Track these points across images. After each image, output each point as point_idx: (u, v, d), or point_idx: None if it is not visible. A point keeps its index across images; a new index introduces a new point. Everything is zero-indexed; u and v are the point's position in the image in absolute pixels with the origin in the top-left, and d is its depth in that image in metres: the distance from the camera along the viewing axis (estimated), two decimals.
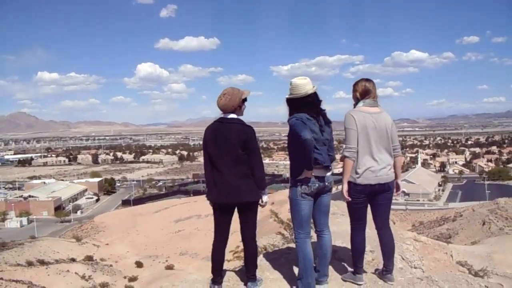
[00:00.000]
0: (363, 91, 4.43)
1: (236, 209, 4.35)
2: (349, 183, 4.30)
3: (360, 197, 4.32)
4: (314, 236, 4.45)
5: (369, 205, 4.45)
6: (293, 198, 4.26)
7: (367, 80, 4.49)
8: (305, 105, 4.19)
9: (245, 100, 4.35)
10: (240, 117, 4.32)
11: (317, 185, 4.19)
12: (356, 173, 4.25)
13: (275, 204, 24.64)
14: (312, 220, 4.40)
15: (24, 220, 77.66)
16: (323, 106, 4.34)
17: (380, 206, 4.45)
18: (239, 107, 4.28)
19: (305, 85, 4.22)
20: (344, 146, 4.36)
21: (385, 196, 4.40)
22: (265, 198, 4.37)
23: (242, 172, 4.20)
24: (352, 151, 4.23)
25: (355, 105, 4.47)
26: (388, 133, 4.31)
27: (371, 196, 4.37)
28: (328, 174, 4.29)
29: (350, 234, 4.56)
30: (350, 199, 4.32)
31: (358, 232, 4.49)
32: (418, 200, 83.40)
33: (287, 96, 4.32)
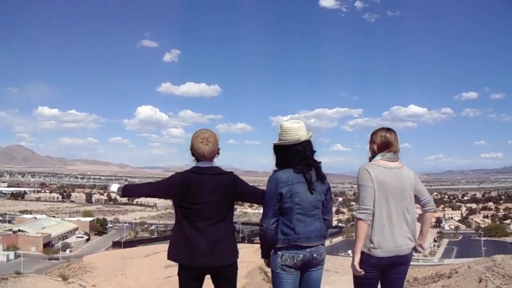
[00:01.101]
0: (382, 143, 3.75)
1: (210, 276, 3.68)
2: (362, 253, 3.55)
3: (372, 271, 3.59)
4: None
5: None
6: (273, 271, 3.51)
7: (388, 130, 3.80)
8: (295, 155, 3.51)
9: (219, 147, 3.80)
10: (221, 166, 3.72)
11: (301, 256, 3.43)
12: (371, 242, 3.52)
13: None
14: None
15: (11, 254, 76.38)
16: (318, 158, 3.65)
17: (393, 282, 3.76)
18: (218, 154, 3.74)
19: (297, 130, 3.55)
20: (357, 206, 3.65)
21: (400, 269, 3.71)
22: None
23: (221, 230, 3.58)
24: (368, 213, 3.50)
25: (370, 159, 3.79)
26: (411, 192, 3.66)
27: (385, 269, 3.65)
28: (319, 244, 3.55)
29: None
30: (363, 272, 3.56)
31: None
32: (413, 256, 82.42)
33: (274, 142, 3.64)
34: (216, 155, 3.71)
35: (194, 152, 3.68)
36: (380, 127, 3.86)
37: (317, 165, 3.59)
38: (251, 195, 3.72)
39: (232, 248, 3.66)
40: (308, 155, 3.56)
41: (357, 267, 3.55)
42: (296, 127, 3.57)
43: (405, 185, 3.62)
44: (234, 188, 3.61)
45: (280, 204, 3.44)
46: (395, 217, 3.57)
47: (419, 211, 3.91)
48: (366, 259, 3.54)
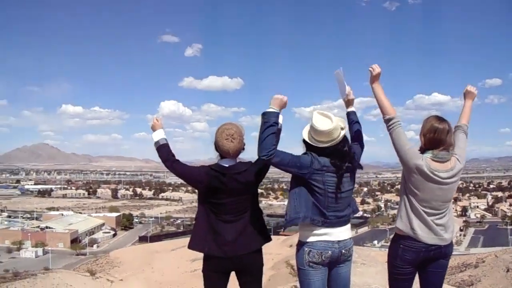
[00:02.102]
0: (430, 139, 3.34)
1: (235, 274, 3.55)
2: (398, 239, 3.39)
3: (408, 267, 3.37)
4: None
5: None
6: (300, 268, 3.33)
7: (439, 119, 3.36)
8: (329, 155, 3.26)
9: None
10: (245, 159, 3.57)
11: (330, 252, 3.25)
12: (413, 226, 3.29)
13: (292, 247, 24.00)
14: None
15: (40, 250, 77.62)
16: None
17: (433, 276, 3.46)
18: (243, 149, 3.56)
19: (332, 132, 3.24)
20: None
21: (440, 263, 3.42)
22: None
23: (246, 220, 3.49)
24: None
25: (421, 149, 3.39)
26: (454, 190, 3.38)
27: (422, 264, 3.39)
28: (347, 236, 3.37)
29: None
30: (378, 69, 3.44)
31: None
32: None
33: (306, 139, 3.36)
34: (242, 150, 3.54)
35: (218, 148, 3.49)
36: (431, 115, 3.44)
37: (352, 156, 3.36)
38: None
39: (258, 234, 3.53)
40: (345, 151, 3.32)
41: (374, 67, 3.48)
42: (330, 128, 3.23)
43: (450, 187, 3.34)
44: (256, 177, 3.50)
45: (305, 177, 3.22)
46: (436, 209, 3.31)
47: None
48: (401, 254, 3.35)
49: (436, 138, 3.29)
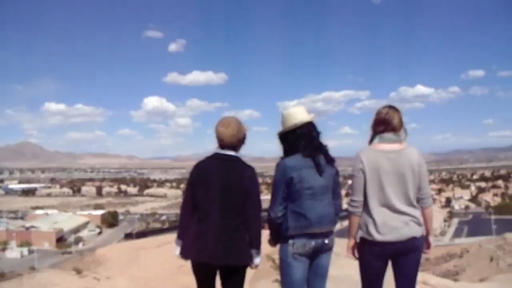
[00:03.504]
0: (376, 121, 3.48)
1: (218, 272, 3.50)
2: (363, 241, 3.42)
3: (377, 261, 3.41)
4: None
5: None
6: (283, 259, 3.42)
7: (386, 107, 3.52)
8: (300, 139, 3.39)
9: (245, 137, 3.58)
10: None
11: (313, 243, 3.35)
12: (369, 229, 3.33)
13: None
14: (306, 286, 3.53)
15: (25, 250, 76.81)
16: (326, 141, 3.53)
17: (404, 270, 3.46)
18: (241, 144, 3.53)
19: (298, 114, 3.46)
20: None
21: (410, 257, 3.40)
22: (257, 260, 3.47)
23: (233, 226, 3.35)
24: (355, 205, 3.38)
25: (369, 142, 3.53)
26: (410, 177, 3.32)
27: (393, 259, 3.42)
28: (330, 230, 3.46)
29: None
30: (355, 257, 3.50)
31: None
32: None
33: (278, 132, 3.54)
34: (242, 144, 3.54)
35: (216, 137, 3.49)
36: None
37: (324, 149, 3.48)
38: (249, 206, 3.40)
39: (244, 250, 3.42)
40: (313, 136, 3.46)
41: (349, 252, 3.51)
42: (297, 111, 3.50)
43: (404, 170, 3.31)
44: (245, 187, 3.37)
45: (288, 190, 3.34)
46: (394, 202, 3.31)
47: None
48: (368, 249, 3.41)
49: (380, 118, 3.45)
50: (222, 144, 3.45)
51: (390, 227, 3.29)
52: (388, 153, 3.34)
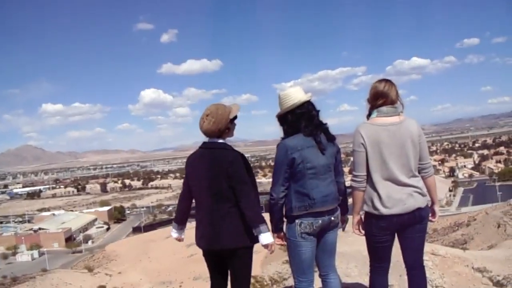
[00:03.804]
0: (374, 96, 3.46)
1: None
2: (368, 215, 3.44)
3: (384, 234, 3.43)
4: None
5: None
6: (291, 240, 3.46)
7: (381, 80, 3.49)
8: (300, 119, 3.40)
9: (234, 118, 3.52)
10: (229, 139, 3.52)
11: (320, 221, 3.38)
12: (375, 203, 3.34)
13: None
14: (315, 263, 3.59)
15: (35, 253, 77.25)
16: (325, 120, 3.52)
17: (411, 242, 3.49)
18: (226, 130, 3.47)
19: (295, 93, 3.45)
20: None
21: (417, 228, 3.44)
22: (264, 238, 3.32)
23: (224, 211, 3.36)
24: (359, 180, 3.39)
25: (368, 117, 3.51)
26: (411, 148, 3.33)
27: (400, 231, 3.45)
28: (334, 207, 3.48)
29: (369, 277, 3.69)
30: (362, 233, 3.54)
31: (379, 276, 3.61)
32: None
33: (277, 113, 3.53)
34: (228, 129, 3.50)
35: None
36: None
37: (324, 127, 3.48)
38: (238, 193, 3.36)
39: (236, 232, 3.40)
40: (313, 114, 3.46)
41: (355, 228, 3.55)
42: (293, 90, 3.49)
43: (404, 142, 3.32)
44: (228, 172, 3.34)
45: (291, 170, 3.34)
46: (397, 174, 3.31)
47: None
48: (374, 223, 3.42)
49: (376, 92, 3.43)
50: (206, 135, 3.48)
51: (395, 199, 3.30)
52: (387, 126, 3.33)
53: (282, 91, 3.50)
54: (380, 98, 3.41)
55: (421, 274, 3.54)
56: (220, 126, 3.42)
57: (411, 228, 3.41)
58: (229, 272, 3.57)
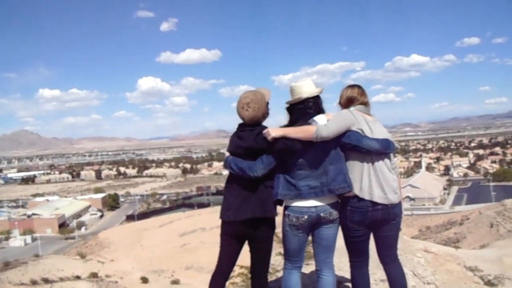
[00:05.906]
0: (347, 99, 3.60)
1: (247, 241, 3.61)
2: (346, 203, 3.43)
3: (359, 228, 3.46)
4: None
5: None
6: (282, 228, 3.54)
7: (351, 86, 3.65)
8: (304, 112, 3.43)
9: (266, 111, 3.59)
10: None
11: (306, 216, 3.36)
12: (358, 186, 3.37)
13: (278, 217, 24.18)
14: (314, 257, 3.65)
15: (28, 238, 77.07)
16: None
17: (386, 238, 3.57)
18: (266, 114, 3.59)
19: (303, 87, 3.46)
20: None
21: (392, 225, 3.51)
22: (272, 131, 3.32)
23: (253, 184, 3.44)
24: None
25: None
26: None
27: (374, 226, 3.48)
28: (331, 202, 3.42)
29: (350, 273, 3.73)
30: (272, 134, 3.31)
31: (359, 270, 3.65)
32: (424, 205, 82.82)
33: (286, 103, 3.55)
34: (264, 118, 3.57)
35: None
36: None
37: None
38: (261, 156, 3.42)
39: (263, 203, 3.45)
40: (321, 109, 3.53)
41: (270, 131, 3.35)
42: (303, 84, 3.51)
43: (382, 138, 3.42)
44: (258, 142, 3.42)
45: (282, 159, 3.39)
46: (376, 165, 3.39)
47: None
48: (349, 215, 3.43)
49: (348, 97, 3.59)
50: (250, 122, 3.52)
51: (375, 188, 3.36)
52: (368, 122, 3.45)
53: (293, 83, 3.54)
54: (355, 101, 3.57)
55: (397, 266, 3.63)
56: (264, 111, 3.53)
57: (386, 225, 3.49)
58: (250, 253, 3.65)
